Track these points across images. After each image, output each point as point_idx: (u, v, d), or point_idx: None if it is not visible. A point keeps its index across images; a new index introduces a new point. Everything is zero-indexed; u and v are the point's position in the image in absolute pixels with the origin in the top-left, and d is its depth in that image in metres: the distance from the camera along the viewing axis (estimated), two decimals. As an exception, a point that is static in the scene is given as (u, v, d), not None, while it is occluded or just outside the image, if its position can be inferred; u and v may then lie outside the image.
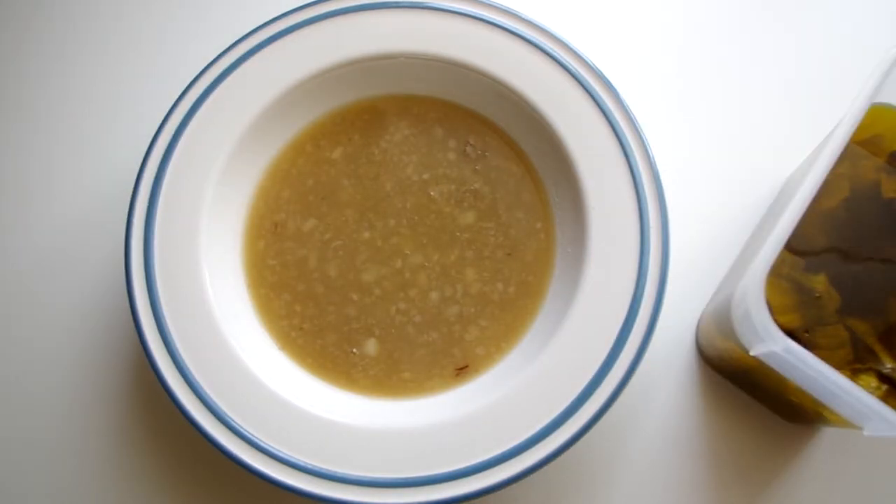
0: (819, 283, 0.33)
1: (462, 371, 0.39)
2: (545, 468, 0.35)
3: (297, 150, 0.43)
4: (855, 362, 0.32)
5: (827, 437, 0.40)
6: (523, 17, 0.41)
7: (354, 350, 0.40)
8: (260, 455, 0.36)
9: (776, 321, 0.28)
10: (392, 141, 0.43)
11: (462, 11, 0.41)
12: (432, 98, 0.43)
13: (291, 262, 0.41)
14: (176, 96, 0.40)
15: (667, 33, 0.48)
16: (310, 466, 0.36)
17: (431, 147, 0.43)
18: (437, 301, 0.40)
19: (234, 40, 0.41)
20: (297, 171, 0.43)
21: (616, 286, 0.37)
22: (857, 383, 0.29)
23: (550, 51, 0.40)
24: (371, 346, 0.40)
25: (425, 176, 0.42)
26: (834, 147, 0.30)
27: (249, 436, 0.36)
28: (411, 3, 0.41)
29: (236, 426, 0.36)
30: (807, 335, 0.33)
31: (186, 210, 0.39)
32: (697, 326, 0.42)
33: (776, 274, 0.33)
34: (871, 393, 0.29)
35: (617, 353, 0.36)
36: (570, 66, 0.40)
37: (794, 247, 0.33)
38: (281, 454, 0.36)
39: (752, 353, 0.32)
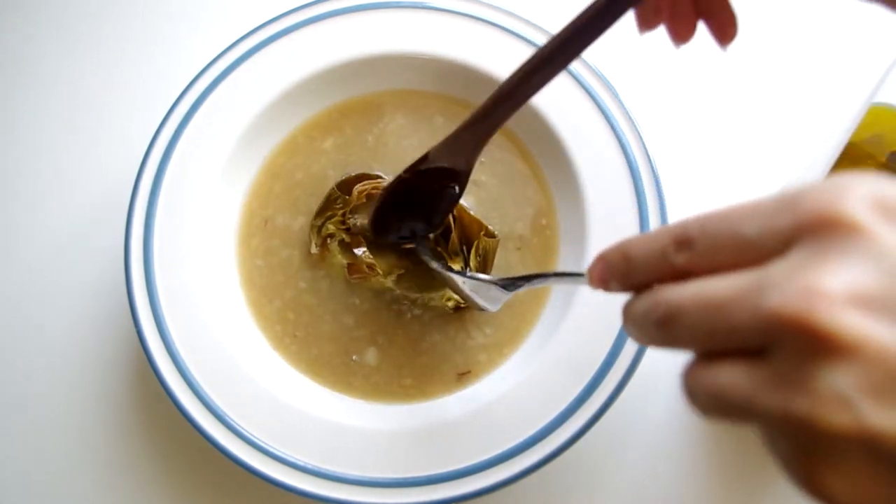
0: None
1: (464, 376, 0.39)
2: (545, 468, 0.35)
3: (292, 146, 0.42)
4: None
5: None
6: (524, 17, 0.41)
7: (354, 357, 0.39)
8: (260, 455, 0.36)
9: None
10: (386, 130, 0.42)
11: (462, 11, 0.41)
12: (431, 92, 0.43)
13: (276, 263, 0.40)
14: (176, 97, 0.40)
15: (666, 34, 0.47)
16: (310, 466, 0.36)
17: (433, 133, 0.42)
18: (440, 303, 0.40)
19: (234, 40, 0.41)
20: (291, 165, 0.42)
21: (616, 286, 0.37)
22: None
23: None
24: (371, 355, 0.39)
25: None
26: (834, 147, 0.30)
27: (249, 436, 0.36)
28: (412, 3, 0.41)
29: (236, 426, 0.36)
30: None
31: (185, 210, 0.39)
32: (697, 326, 0.42)
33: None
34: None
35: (617, 353, 0.36)
36: (570, 67, 0.40)
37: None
38: (281, 454, 0.36)
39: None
